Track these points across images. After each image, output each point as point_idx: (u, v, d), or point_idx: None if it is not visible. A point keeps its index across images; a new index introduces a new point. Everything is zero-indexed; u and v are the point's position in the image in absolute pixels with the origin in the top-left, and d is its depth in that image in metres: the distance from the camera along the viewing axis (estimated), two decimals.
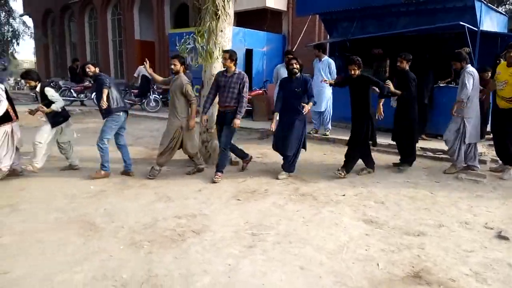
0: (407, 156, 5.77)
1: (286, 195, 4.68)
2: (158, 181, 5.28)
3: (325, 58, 7.83)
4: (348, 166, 5.41)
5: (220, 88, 5.30)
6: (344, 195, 4.68)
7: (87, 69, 5.34)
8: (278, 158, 5.79)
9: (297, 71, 5.25)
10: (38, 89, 5.25)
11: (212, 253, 3.22)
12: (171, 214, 4.09)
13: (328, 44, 8.99)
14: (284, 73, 6.90)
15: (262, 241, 3.43)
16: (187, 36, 11.52)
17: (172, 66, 5.27)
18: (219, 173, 5.30)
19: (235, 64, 5.26)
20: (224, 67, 5.36)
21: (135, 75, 13.00)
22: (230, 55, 5.22)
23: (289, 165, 5.42)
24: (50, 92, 5.25)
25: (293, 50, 9.30)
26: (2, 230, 3.62)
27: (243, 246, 3.35)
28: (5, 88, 5.21)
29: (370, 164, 5.60)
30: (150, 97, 12.06)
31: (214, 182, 5.17)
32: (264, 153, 6.82)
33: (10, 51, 15.79)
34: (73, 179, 5.30)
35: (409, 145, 5.71)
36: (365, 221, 3.91)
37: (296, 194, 4.75)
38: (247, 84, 5.29)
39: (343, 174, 5.31)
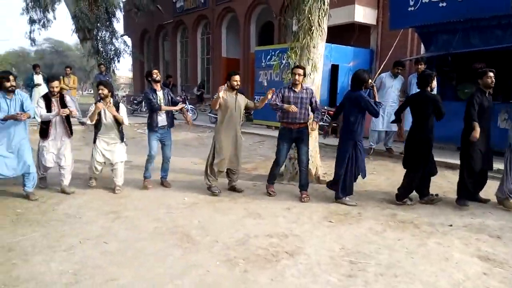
0: None
1: (383, 221, 4.35)
2: (246, 196, 5.29)
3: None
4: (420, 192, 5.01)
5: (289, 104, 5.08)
6: (451, 225, 4.21)
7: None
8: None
9: None
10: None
11: (309, 278, 3.06)
12: (262, 232, 4.02)
13: (425, 58, 8.40)
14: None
15: (362, 271, 3.19)
16: (273, 53, 11.69)
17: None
18: (305, 192, 5.16)
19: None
20: (296, 83, 5.14)
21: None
22: (304, 70, 5.19)
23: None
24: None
25: (382, 64, 8.90)
26: (109, 236, 3.86)
27: (342, 274, 3.14)
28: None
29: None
30: None
31: (302, 201, 5.03)
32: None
33: (112, 68, 17.51)
34: (168, 190, 5.53)
35: None
36: (480, 258, 3.44)
37: (394, 220, 4.39)
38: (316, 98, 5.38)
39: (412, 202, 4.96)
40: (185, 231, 4.01)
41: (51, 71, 30.67)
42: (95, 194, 5.32)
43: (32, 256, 3.39)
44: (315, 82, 5.97)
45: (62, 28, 36.53)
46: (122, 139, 5.47)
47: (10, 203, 4.82)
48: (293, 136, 5.26)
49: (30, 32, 18.61)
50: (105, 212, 4.57)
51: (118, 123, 5.33)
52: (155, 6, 18.81)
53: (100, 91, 5.19)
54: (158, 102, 5.45)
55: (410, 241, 3.79)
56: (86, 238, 3.81)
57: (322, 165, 6.37)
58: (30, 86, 11.52)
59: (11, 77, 4.68)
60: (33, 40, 19.12)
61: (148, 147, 5.62)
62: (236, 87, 5.24)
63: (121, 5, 18.22)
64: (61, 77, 10.49)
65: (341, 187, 4.97)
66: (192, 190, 5.50)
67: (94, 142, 5.48)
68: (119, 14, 18.35)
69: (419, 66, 7.13)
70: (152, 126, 5.51)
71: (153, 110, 5.45)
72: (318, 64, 5.90)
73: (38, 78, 11.24)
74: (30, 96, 10.20)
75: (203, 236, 3.91)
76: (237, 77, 5.23)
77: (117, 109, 5.33)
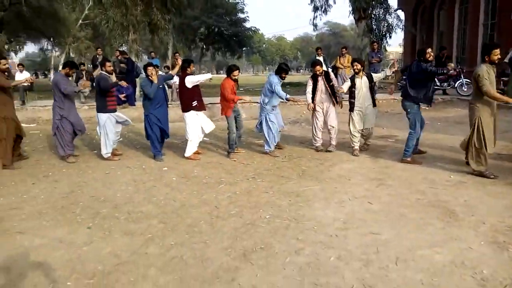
0: None
1: None
2: None
3: None
4: None
5: None
6: None
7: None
8: None
9: None
10: None
11: None
12: None
13: None
14: None
15: None
16: None
17: None
18: None
19: None
20: None
21: (506, 60, 11.45)
22: None
23: None
24: None
25: None
26: (373, 198, 4.33)
27: None
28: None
29: None
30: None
31: None
32: None
33: (383, 44, 17.93)
34: (434, 167, 5.48)
35: None
36: None
37: None
38: None
39: None
40: (448, 207, 3.98)
41: (329, 52, 34.12)
42: (362, 162, 5.94)
43: (313, 203, 4.27)
44: None
45: (338, 11, 39.57)
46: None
47: (297, 161, 6.08)
48: None
49: (314, 18, 21.33)
50: (370, 178, 5.08)
51: None
52: None
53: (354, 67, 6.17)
54: None
55: None
56: (354, 196, 4.42)
57: None
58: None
59: None
60: (315, 26, 21.88)
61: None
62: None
63: None
64: (338, 57, 11.70)
65: None
66: (458, 169, 5.23)
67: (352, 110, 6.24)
68: None
69: None
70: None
71: None
72: None
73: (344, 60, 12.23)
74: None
75: (468, 214, 3.77)
76: None
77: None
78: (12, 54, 39.65)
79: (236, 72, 6.22)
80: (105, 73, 6.30)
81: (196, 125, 6.36)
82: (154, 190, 4.86)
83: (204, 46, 29.09)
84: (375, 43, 12.86)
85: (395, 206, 4.08)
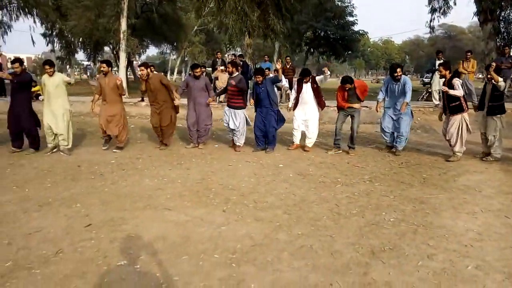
0: None
1: None
2: None
3: None
4: None
5: None
6: None
7: None
8: None
9: None
10: None
11: None
12: None
13: None
14: None
15: None
16: None
17: None
18: None
19: None
20: None
21: None
22: None
23: None
24: None
25: None
26: (509, 213, 3.99)
27: None
28: None
29: None
30: None
31: None
32: None
33: None
34: None
35: None
36: None
37: None
38: None
39: None
40: None
41: (444, 56, 31.52)
42: (492, 174, 5.48)
43: (440, 211, 4.11)
44: None
45: (455, 12, 36.37)
46: None
47: (416, 168, 5.87)
48: None
49: (431, 21, 19.95)
50: (504, 192, 4.68)
51: None
52: None
53: None
54: None
55: None
56: (487, 209, 4.13)
57: None
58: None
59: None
60: (432, 28, 20.41)
61: None
62: None
63: None
64: (461, 61, 10.83)
65: None
66: None
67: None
68: None
69: None
70: None
71: None
72: None
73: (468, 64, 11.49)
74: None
75: None
76: None
77: None
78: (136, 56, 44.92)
79: (347, 86, 6.66)
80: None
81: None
82: (273, 184, 5.16)
83: (310, 50, 29.28)
84: (507, 47, 11.58)
85: None
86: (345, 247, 3.29)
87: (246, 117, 7.19)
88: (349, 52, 30.17)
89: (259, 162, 6.39)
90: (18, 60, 6.57)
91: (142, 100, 12.27)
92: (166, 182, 5.20)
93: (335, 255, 3.14)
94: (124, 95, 7.36)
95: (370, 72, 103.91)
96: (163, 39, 29.07)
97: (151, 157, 6.66)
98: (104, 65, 6.91)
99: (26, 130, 6.74)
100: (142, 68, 7.02)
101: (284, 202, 4.45)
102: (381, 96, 7.00)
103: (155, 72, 8.18)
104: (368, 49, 73.61)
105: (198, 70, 7.18)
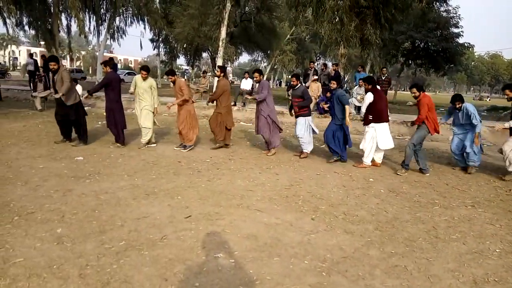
0: None
1: None
2: None
3: None
4: None
5: None
6: None
7: None
8: None
9: None
10: None
11: None
12: None
13: None
14: None
15: None
16: None
17: None
18: None
19: None
20: None
21: None
22: None
23: None
24: None
25: None
26: None
27: None
28: None
29: None
30: None
31: None
32: None
33: None
34: None
35: None
36: None
37: None
38: None
39: None
40: None
41: None
42: None
43: None
44: None
45: None
46: None
47: None
48: None
49: None
50: None
51: None
52: None
53: None
54: None
55: None
56: None
57: None
58: None
59: None
60: None
61: None
62: None
63: None
64: None
65: None
66: None
67: None
68: None
69: None
70: None
71: None
72: None
73: None
74: None
75: None
76: None
77: None
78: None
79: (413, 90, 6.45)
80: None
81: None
82: (364, 198, 5.04)
83: (407, 61, 27.76)
84: None
85: None
86: (444, 273, 3.10)
87: (312, 126, 7.28)
88: (451, 65, 27.90)
89: (348, 174, 6.29)
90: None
91: (235, 104, 12.84)
92: (256, 185, 5.39)
93: (433, 279, 2.98)
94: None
95: (472, 88, 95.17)
96: (257, 47, 30.00)
97: (242, 160, 6.95)
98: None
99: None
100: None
101: (376, 218, 4.33)
102: (442, 120, 7.07)
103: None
104: (472, 63, 67.46)
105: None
